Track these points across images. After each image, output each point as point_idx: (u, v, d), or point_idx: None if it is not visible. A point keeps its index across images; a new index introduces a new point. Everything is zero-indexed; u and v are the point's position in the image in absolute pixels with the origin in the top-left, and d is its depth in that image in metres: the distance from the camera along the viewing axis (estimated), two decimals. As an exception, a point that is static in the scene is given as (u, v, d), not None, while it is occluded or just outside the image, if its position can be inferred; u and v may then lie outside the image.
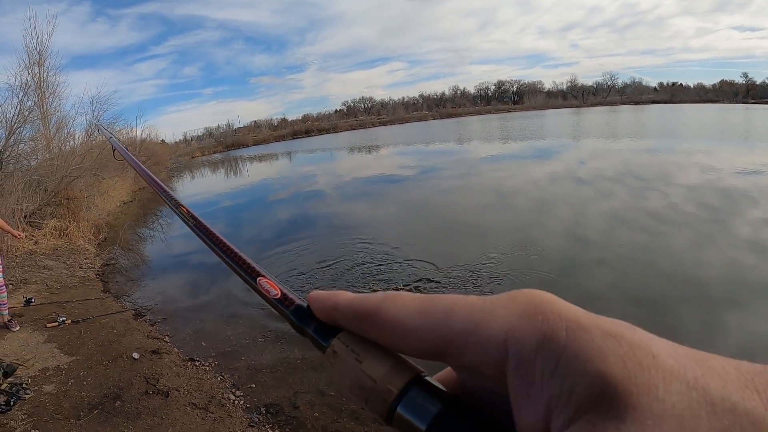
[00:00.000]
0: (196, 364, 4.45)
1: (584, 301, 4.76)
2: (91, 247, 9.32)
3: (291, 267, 6.80)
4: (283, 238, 8.43)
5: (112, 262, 8.64)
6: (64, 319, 5.41)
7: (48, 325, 5.27)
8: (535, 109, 71.72)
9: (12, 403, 3.74)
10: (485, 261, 5.95)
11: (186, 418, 3.56)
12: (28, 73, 11.75)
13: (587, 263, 5.73)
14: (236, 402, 3.72)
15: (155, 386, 4.01)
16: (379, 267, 6.23)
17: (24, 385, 3.99)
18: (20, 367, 4.19)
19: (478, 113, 72.02)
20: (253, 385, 3.95)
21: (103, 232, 10.74)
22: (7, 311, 4.96)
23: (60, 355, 4.67)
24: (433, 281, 5.58)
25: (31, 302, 5.78)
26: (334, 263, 6.60)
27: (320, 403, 3.67)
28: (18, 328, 5.01)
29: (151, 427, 3.45)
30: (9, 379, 4.01)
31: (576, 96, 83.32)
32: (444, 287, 5.33)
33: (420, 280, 5.63)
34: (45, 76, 12.93)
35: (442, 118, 68.03)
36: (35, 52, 12.63)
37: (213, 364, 4.42)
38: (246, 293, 5.99)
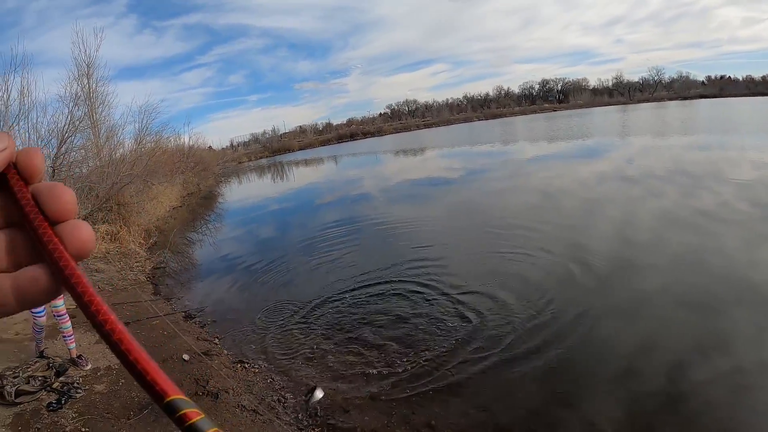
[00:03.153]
0: (246, 366, 4.61)
1: (635, 304, 4.83)
2: (142, 250, 9.97)
3: (340, 272, 7.03)
4: (329, 242, 8.87)
5: (162, 265, 9.22)
6: None
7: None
8: (580, 107, 74.55)
9: (63, 402, 3.98)
10: (533, 263, 6.14)
11: (235, 420, 3.68)
12: (78, 84, 12.86)
13: (637, 265, 5.83)
14: (286, 405, 3.82)
15: (205, 387, 4.19)
16: (425, 270, 6.41)
17: (75, 384, 4.25)
18: (71, 367, 4.43)
19: (523, 113, 75.05)
20: (304, 388, 4.05)
21: (153, 236, 11.59)
22: (74, 344, 4.63)
23: (111, 355, 4.88)
24: (481, 280, 5.75)
25: (84, 304, 6.11)
26: (382, 269, 6.76)
27: (370, 407, 3.73)
28: (89, 366, 4.64)
29: None
30: (61, 378, 4.28)
31: (622, 93, 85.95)
32: (493, 288, 5.50)
33: (464, 285, 5.74)
34: (94, 86, 14.18)
35: (486, 119, 71.48)
36: (84, 64, 13.82)
37: (263, 367, 4.57)
38: (295, 297, 6.21)
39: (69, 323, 4.42)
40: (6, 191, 0.32)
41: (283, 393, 4.07)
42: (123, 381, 4.43)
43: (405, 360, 4.27)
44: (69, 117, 10.76)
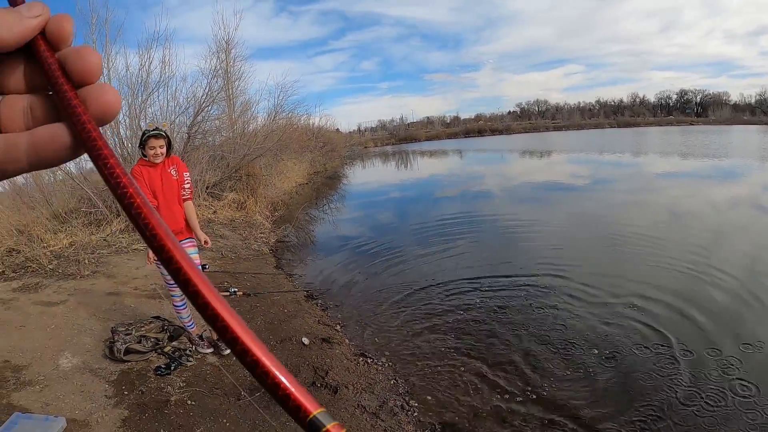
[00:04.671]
0: (368, 361, 4.27)
1: (758, 348, 4.06)
2: (267, 222, 10.13)
3: (464, 269, 6.79)
4: (450, 236, 8.86)
5: (286, 239, 9.30)
6: (236, 290, 5.63)
7: (219, 293, 5.43)
8: (719, 123, 69.88)
9: (173, 368, 3.81)
10: (652, 284, 5.62)
11: (353, 422, 3.34)
12: (217, 59, 14.03)
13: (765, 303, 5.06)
14: (409, 413, 3.50)
15: (323, 379, 3.86)
16: (534, 276, 6.17)
17: (188, 352, 4.07)
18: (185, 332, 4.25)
19: (658, 124, 73.41)
20: (429, 398, 3.72)
21: (279, 210, 11.82)
22: (193, 324, 4.30)
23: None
24: (590, 296, 5.41)
25: (205, 268, 6.17)
26: (509, 271, 6.51)
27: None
28: (210, 350, 4.22)
29: None
30: (174, 343, 4.11)
31: (766, 111, 77.86)
32: (603, 307, 5.09)
33: (572, 296, 5.45)
34: (231, 62, 15.54)
35: (619, 126, 71.28)
36: (223, 41, 15.06)
37: (387, 365, 4.24)
38: (420, 292, 5.94)
39: (186, 310, 4.17)
40: (32, 58, 0.33)
41: (407, 399, 3.67)
42: (236, 358, 4.13)
43: (548, 384, 3.77)
44: (207, 88, 11.47)
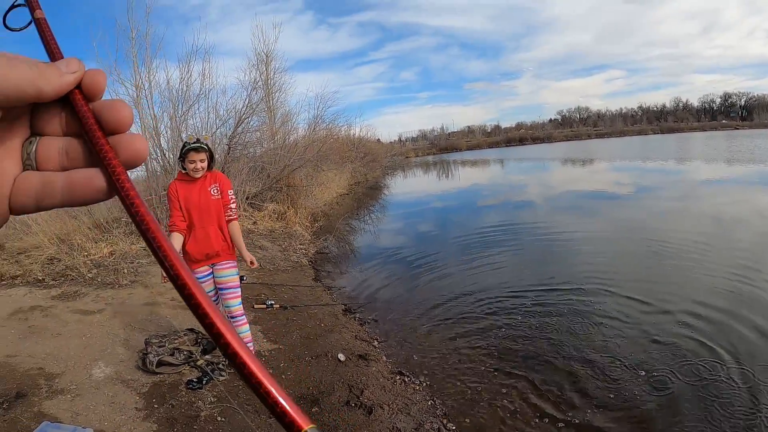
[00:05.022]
0: (405, 380, 4.09)
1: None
2: (307, 233, 10.10)
3: (499, 280, 6.70)
4: (488, 247, 8.72)
5: (326, 251, 9.26)
6: (273, 302, 5.59)
7: (255, 305, 5.50)
8: (766, 127, 69.28)
9: (204, 382, 3.74)
10: (704, 299, 5.29)
11: None
12: (257, 72, 14.53)
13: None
14: None
15: (358, 398, 3.69)
16: (579, 289, 5.95)
17: (221, 366, 3.99)
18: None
19: (702, 129, 73.19)
20: (467, 420, 3.54)
21: (319, 221, 11.86)
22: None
23: (263, 340, 4.74)
24: (638, 312, 5.14)
25: (243, 279, 6.13)
26: (552, 283, 6.32)
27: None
28: None
29: None
30: (207, 357, 4.04)
31: None
32: (652, 323, 4.81)
33: (619, 311, 5.20)
34: (271, 74, 16.17)
35: (662, 132, 71.56)
36: (262, 53, 15.66)
37: (424, 384, 4.06)
38: (460, 306, 5.78)
39: (246, 327, 3.94)
40: (69, 107, 0.37)
41: (444, 422, 3.48)
42: (271, 372, 4.01)
43: (591, 411, 3.50)
44: (247, 100, 11.65)
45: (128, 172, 0.35)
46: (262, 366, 0.33)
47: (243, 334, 3.81)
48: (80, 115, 0.36)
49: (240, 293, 3.86)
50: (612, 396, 3.60)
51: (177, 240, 3.53)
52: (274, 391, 0.32)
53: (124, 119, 0.36)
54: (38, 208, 0.37)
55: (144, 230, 0.34)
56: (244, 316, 3.88)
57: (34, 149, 0.36)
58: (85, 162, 0.37)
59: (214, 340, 0.32)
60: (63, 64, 0.35)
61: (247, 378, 0.32)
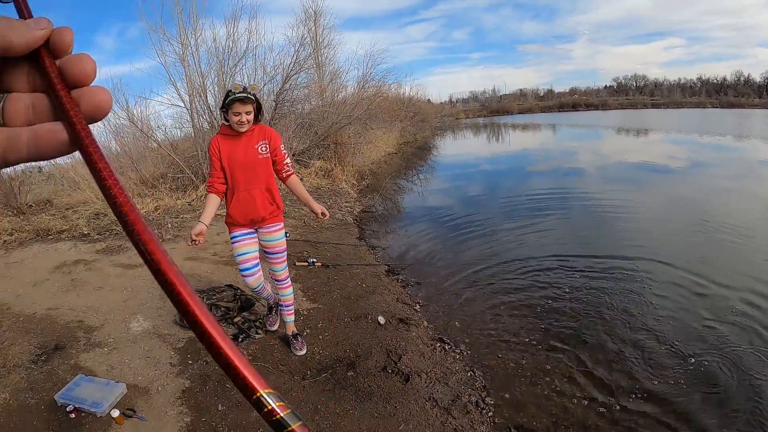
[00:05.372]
0: (445, 347, 3.92)
1: None
2: (353, 191, 9.92)
3: (547, 249, 6.43)
4: (536, 213, 8.52)
5: (371, 209, 9.12)
6: (315, 260, 5.48)
7: (297, 263, 5.42)
8: None
9: (240, 340, 3.68)
10: (755, 288, 4.84)
11: (422, 417, 3.01)
12: (305, 28, 14.14)
13: None
14: (484, 411, 3.14)
15: (396, 364, 3.53)
16: (633, 260, 5.71)
17: (257, 323, 3.89)
18: (258, 303, 4.09)
19: (764, 106, 64.68)
20: (507, 395, 3.36)
21: (366, 179, 11.70)
22: (292, 317, 3.76)
23: (302, 299, 4.63)
24: (697, 287, 4.91)
25: (286, 236, 6.00)
26: (604, 255, 6.02)
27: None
28: (303, 351, 3.68)
29: (381, 417, 2.97)
30: (244, 314, 3.97)
31: None
32: (711, 302, 4.56)
33: (676, 284, 4.98)
34: (320, 31, 15.88)
35: (721, 107, 65.44)
36: (311, 10, 15.54)
37: (465, 354, 3.89)
38: (506, 273, 5.57)
39: (290, 290, 3.65)
40: (37, 63, 0.37)
41: (482, 395, 3.30)
42: (308, 331, 4.03)
43: (638, 394, 3.29)
44: (294, 56, 11.44)
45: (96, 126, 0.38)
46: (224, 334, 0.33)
47: (285, 297, 3.63)
48: (45, 71, 0.36)
49: (286, 257, 3.58)
50: (658, 383, 3.36)
51: (212, 202, 3.19)
52: (232, 356, 0.32)
53: (88, 72, 0.36)
54: (5, 163, 0.36)
55: (100, 179, 0.34)
56: (288, 279, 3.61)
57: (1, 106, 0.36)
58: (51, 117, 0.37)
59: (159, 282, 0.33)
60: (32, 21, 0.35)
61: (207, 343, 0.32)
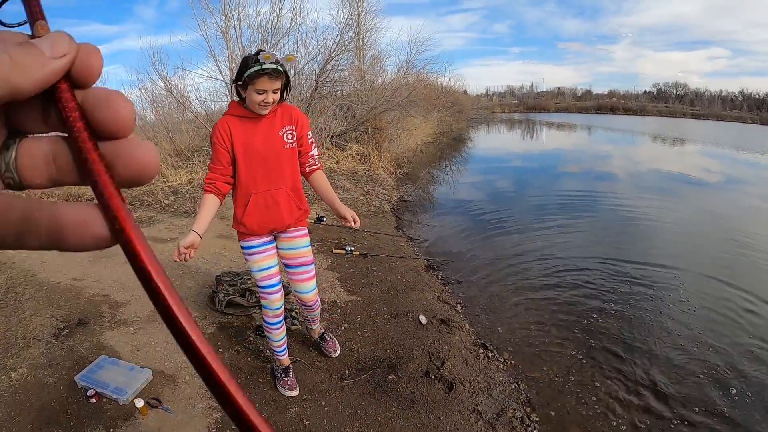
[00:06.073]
0: (489, 355, 3.68)
1: None
2: (390, 179, 9.68)
3: (597, 254, 6.19)
4: (561, 212, 8.43)
5: (408, 199, 8.80)
6: (353, 249, 5.25)
7: (334, 250, 5.20)
8: None
9: None
10: None
11: (467, 429, 2.75)
12: (349, 10, 13.87)
13: None
14: (529, 429, 2.93)
15: (439, 370, 3.24)
16: (676, 269, 5.58)
17: (293, 314, 3.61)
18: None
19: None
20: (552, 413, 3.15)
21: (404, 167, 11.52)
22: (317, 324, 3.27)
23: (340, 289, 4.37)
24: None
25: (323, 221, 5.85)
26: (649, 263, 5.84)
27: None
28: (337, 353, 3.32)
29: (425, 428, 2.72)
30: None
31: None
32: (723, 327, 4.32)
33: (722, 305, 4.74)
34: (363, 14, 15.36)
35: (762, 123, 61.86)
36: None
37: (509, 364, 3.65)
38: (564, 280, 5.27)
39: (318, 311, 3.02)
40: (51, 100, 0.27)
41: (527, 411, 3.08)
42: (346, 326, 3.75)
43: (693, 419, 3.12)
44: (338, 38, 11.28)
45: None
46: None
47: (313, 316, 3.05)
48: (63, 113, 0.26)
49: (314, 271, 2.82)
50: (713, 403, 3.22)
51: (210, 206, 2.39)
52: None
53: (124, 121, 0.26)
54: (23, 247, 0.27)
55: (150, 289, 0.25)
56: (318, 301, 2.92)
57: (12, 157, 0.27)
58: (79, 174, 0.27)
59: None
60: (47, 44, 0.25)
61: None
